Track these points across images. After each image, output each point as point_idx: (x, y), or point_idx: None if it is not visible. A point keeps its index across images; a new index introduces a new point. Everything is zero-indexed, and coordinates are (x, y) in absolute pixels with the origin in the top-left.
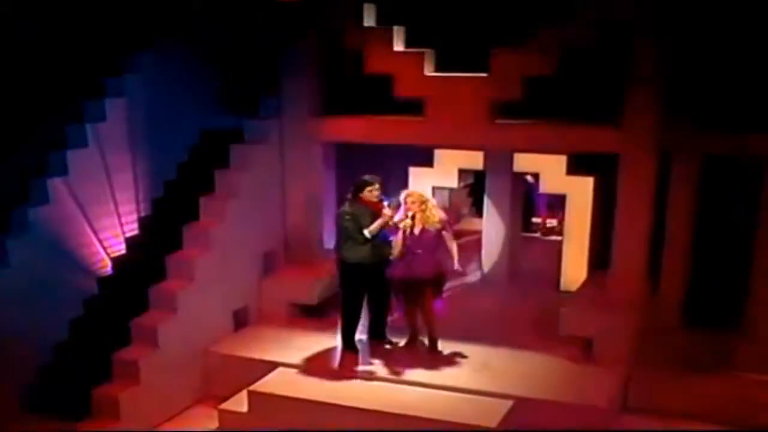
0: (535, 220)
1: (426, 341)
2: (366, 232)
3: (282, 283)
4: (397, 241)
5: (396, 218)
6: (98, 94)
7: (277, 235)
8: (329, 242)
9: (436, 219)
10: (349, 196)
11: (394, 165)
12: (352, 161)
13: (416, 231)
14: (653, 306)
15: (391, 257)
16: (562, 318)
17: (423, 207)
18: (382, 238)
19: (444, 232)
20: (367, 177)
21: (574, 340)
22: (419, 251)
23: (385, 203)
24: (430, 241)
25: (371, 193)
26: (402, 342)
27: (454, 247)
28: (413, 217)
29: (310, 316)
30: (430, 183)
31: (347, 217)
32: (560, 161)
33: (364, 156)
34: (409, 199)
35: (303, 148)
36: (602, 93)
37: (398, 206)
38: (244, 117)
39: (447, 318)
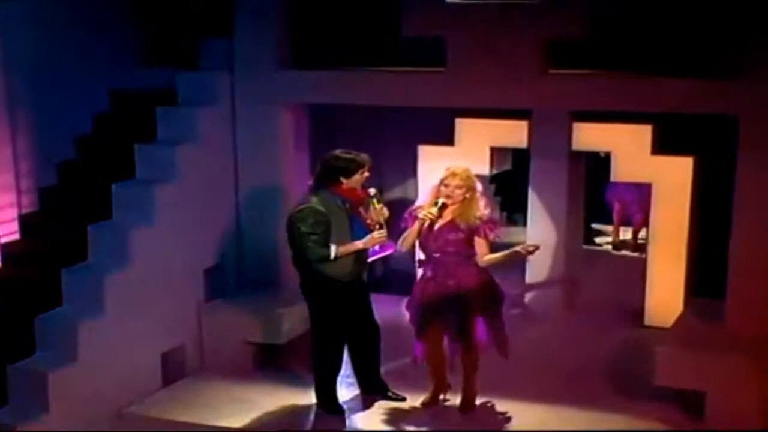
0: (599, 227)
1: (452, 397)
2: (333, 250)
3: (234, 314)
4: (411, 231)
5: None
6: None
7: (227, 242)
8: None
9: (477, 214)
10: (312, 182)
11: (393, 142)
12: (334, 136)
13: (436, 226)
14: None
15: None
16: (660, 362)
17: (469, 195)
18: (361, 233)
19: (478, 237)
20: (345, 152)
21: (673, 396)
22: (450, 250)
23: (372, 194)
24: (459, 244)
25: (361, 177)
26: (417, 398)
27: (489, 259)
28: (443, 206)
29: (275, 361)
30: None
31: (311, 219)
32: (642, 134)
33: (352, 128)
34: (453, 180)
35: (264, 115)
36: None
37: (374, 200)
38: (176, 70)
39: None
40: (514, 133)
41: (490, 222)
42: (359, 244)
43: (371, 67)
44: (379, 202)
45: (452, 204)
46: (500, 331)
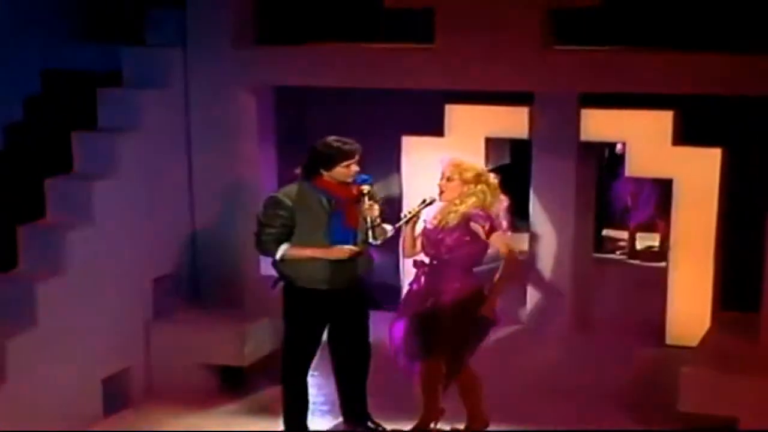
0: (610, 233)
1: (449, 424)
2: (281, 250)
3: (188, 331)
4: (405, 236)
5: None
6: None
7: (180, 247)
8: (269, 262)
9: (492, 203)
10: (300, 171)
11: (373, 132)
12: (305, 124)
13: (432, 223)
14: None
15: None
16: (684, 385)
17: (468, 190)
18: (341, 238)
19: (497, 233)
20: (337, 140)
21: (699, 422)
22: (444, 257)
23: (364, 185)
24: (454, 249)
25: (346, 170)
26: (404, 426)
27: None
28: (429, 203)
29: (237, 387)
30: (438, 162)
31: (271, 210)
32: (662, 122)
33: (325, 115)
34: (447, 172)
35: (223, 99)
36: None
37: (368, 193)
38: (119, 46)
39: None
40: (514, 122)
41: (504, 214)
42: (317, 252)
43: (348, 43)
44: (370, 199)
45: (447, 201)
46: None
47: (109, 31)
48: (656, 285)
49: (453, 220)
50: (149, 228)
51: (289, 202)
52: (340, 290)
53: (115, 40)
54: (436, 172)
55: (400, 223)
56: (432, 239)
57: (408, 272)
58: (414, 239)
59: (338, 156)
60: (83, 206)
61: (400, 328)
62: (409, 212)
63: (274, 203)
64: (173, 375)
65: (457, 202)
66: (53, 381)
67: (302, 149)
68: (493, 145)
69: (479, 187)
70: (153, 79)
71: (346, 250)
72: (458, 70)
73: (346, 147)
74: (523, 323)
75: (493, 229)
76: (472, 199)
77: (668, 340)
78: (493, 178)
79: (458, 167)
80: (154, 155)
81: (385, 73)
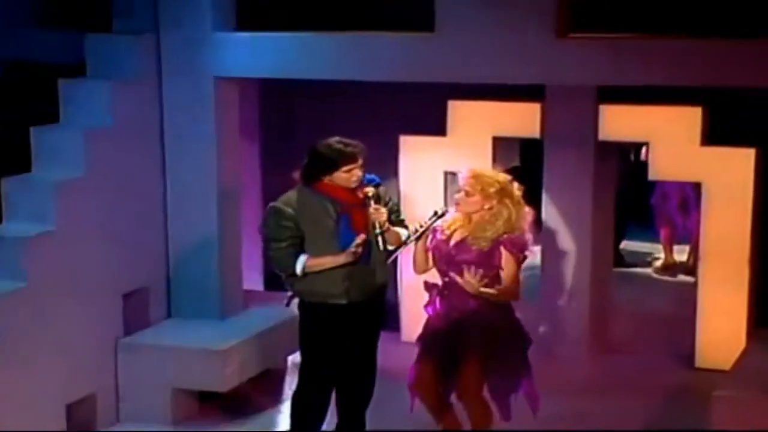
0: (631, 245)
1: None
2: (300, 263)
3: (161, 352)
4: (416, 251)
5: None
6: None
7: (153, 257)
8: (252, 275)
9: (499, 232)
10: (299, 175)
11: (368, 131)
12: (293, 120)
13: (443, 235)
14: None
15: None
16: (717, 411)
17: (491, 207)
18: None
19: (507, 249)
20: (339, 142)
21: None
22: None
23: (368, 188)
24: (479, 261)
25: (348, 175)
26: None
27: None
28: (441, 216)
29: (216, 414)
30: (440, 165)
31: (274, 222)
32: (690, 120)
33: (316, 111)
34: (465, 185)
35: (200, 93)
36: None
37: (373, 197)
38: (84, 33)
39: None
40: (524, 119)
41: (514, 239)
42: (339, 258)
43: (339, 31)
44: (376, 202)
45: (465, 215)
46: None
47: (74, 17)
48: (685, 301)
49: (485, 246)
50: (118, 236)
51: (291, 211)
52: (360, 303)
53: (80, 27)
54: (437, 175)
55: (411, 239)
56: (442, 250)
57: (407, 290)
58: (426, 254)
59: (340, 160)
60: (43, 211)
61: (424, 365)
62: (420, 226)
63: (274, 214)
64: (145, 401)
65: (487, 227)
66: (12, 408)
67: (290, 148)
68: (500, 145)
69: (505, 202)
70: (122, 70)
71: (353, 250)
72: (462, 61)
73: (349, 150)
74: (538, 346)
75: (524, 257)
76: (500, 222)
77: (698, 363)
78: (516, 190)
79: (479, 180)
80: (124, 154)
81: (380, 64)
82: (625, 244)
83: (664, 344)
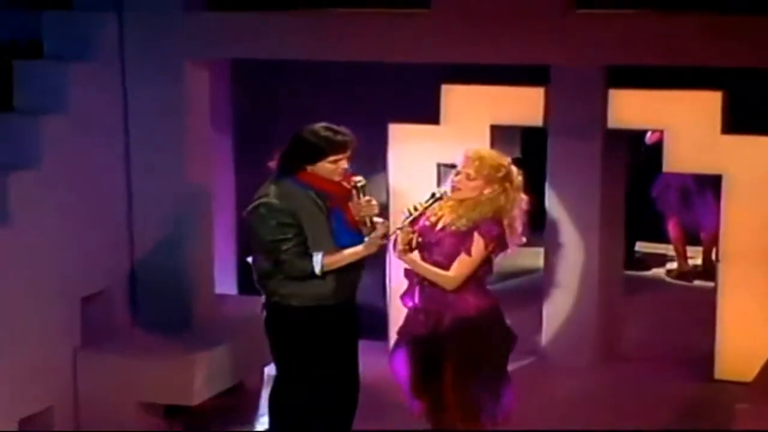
0: (644, 246)
1: None
2: (317, 263)
3: (124, 362)
4: (403, 230)
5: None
6: None
7: (115, 258)
8: (225, 277)
9: (511, 207)
10: (275, 164)
11: (354, 118)
12: (270, 107)
13: (430, 221)
14: None
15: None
16: (740, 424)
17: (490, 192)
18: (350, 241)
19: (480, 233)
20: (327, 129)
21: None
22: (444, 264)
23: (358, 177)
24: (452, 240)
25: (333, 166)
26: None
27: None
28: (438, 199)
29: (184, 430)
30: (433, 156)
31: (273, 220)
32: (709, 105)
33: (294, 100)
34: (465, 167)
35: (167, 76)
36: None
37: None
38: (41, 10)
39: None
40: (526, 105)
41: (491, 227)
42: (359, 250)
43: (320, 8)
44: (364, 193)
45: (459, 199)
46: (490, 394)
47: None
48: (702, 307)
49: (463, 225)
50: (76, 233)
51: (285, 205)
52: (345, 303)
53: (37, 4)
54: (430, 168)
55: (405, 221)
56: (427, 237)
57: (396, 295)
58: (410, 236)
59: (327, 148)
60: None
61: (401, 358)
62: (415, 208)
63: (268, 212)
64: (106, 415)
65: (471, 204)
66: None
67: (266, 140)
68: (500, 134)
69: (506, 187)
70: (81, 51)
71: (378, 238)
72: (457, 40)
73: (338, 138)
74: (540, 355)
75: (494, 249)
76: (491, 206)
77: (717, 374)
78: (517, 175)
79: (485, 164)
80: (83, 143)
81: (366, 44)
82: (641, 245)
83: (681, 354)
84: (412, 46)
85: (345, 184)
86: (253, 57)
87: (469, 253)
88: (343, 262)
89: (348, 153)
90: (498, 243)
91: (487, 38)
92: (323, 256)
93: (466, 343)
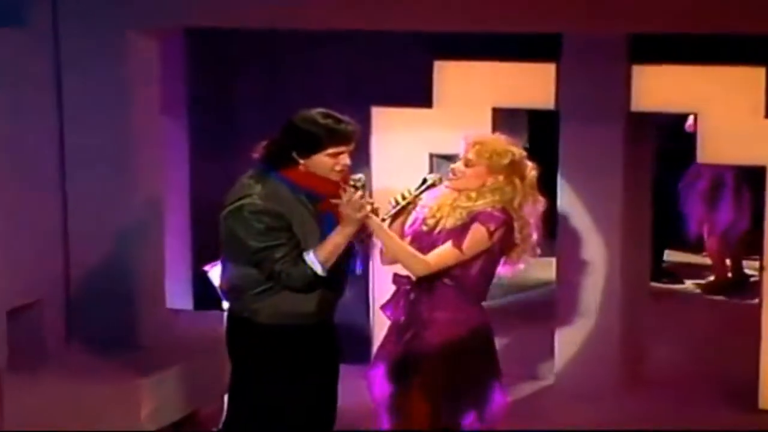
0: (672, 256)
1: None
2: (316, 264)
3: (58, 387)
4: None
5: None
6: None
7: (47, 264)
8: (178, 289)
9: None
10: (258, 156)
11: (333, 100)
12: (232, 86)
13: (425, 225)
14: None
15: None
16: None
17: (492, 183)
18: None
19: (479, 221)
20: (326, 116)
21: None
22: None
23: (356, 177)
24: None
25: (333, 160)
26: None
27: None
28: (429, 187)
29: None
30: (424, 145)
31: (261, 224)
32: (751, 84)
33: (260, 80)
34: (467, 153)
35: (110, 46)
36: None
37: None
38: None
39: None
40: (533, 84)
41: (493, 213)
42: (347, 230)
43: None
44: (358, 185)
45: (458, 189)
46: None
47: None
48: (744, 327)
49: (458, 220)
50: (1, 234)
51: (272, 206)
52: (326, 321)
53: None
54: (421, 159)
55: (390, 212)
56: (423, 243)
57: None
58: (402, 237)
59: (325, 138)
60: None
61: (378, 374)
62: (403, 196)
63: (255, 216)
64: None
65: (473, 195)
66: None
67: (226, 127)
68: (503, 119)
69: (512, 180)
70: (8, 15)
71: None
72: (454, 6)
73: (341, 127)
74: (552, 379)
75: (504, 238)
76: (493, 197)
77: (762, 404)
78: (531, 170)
79: (487, 148)
80: (10, 126)
81: (344, 10)
82: (670, 254)
83: (718, 380)
84: (399, 12)
85: (341, 184)
86: (210, 25)
87: (459, 246)
88: (338, 250)
89: (351, 146)
90: (505, 231)
91: (489, 3)
92: (314, 252)
93: (437, 374)
